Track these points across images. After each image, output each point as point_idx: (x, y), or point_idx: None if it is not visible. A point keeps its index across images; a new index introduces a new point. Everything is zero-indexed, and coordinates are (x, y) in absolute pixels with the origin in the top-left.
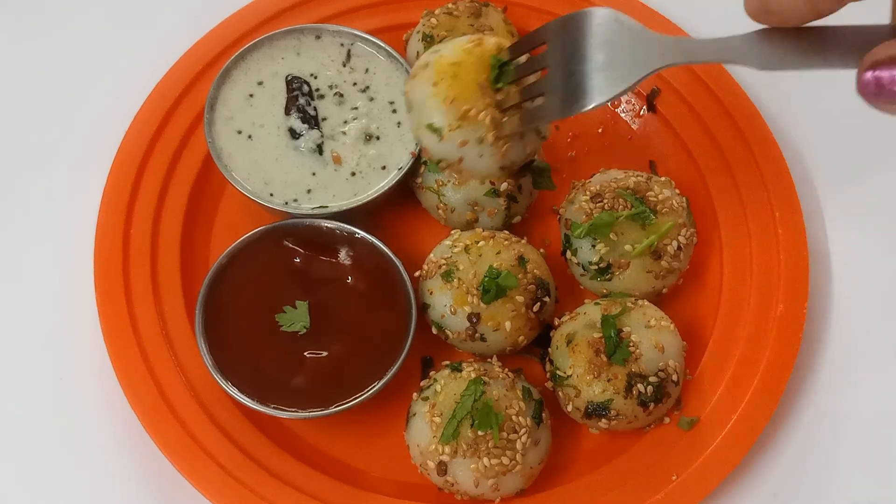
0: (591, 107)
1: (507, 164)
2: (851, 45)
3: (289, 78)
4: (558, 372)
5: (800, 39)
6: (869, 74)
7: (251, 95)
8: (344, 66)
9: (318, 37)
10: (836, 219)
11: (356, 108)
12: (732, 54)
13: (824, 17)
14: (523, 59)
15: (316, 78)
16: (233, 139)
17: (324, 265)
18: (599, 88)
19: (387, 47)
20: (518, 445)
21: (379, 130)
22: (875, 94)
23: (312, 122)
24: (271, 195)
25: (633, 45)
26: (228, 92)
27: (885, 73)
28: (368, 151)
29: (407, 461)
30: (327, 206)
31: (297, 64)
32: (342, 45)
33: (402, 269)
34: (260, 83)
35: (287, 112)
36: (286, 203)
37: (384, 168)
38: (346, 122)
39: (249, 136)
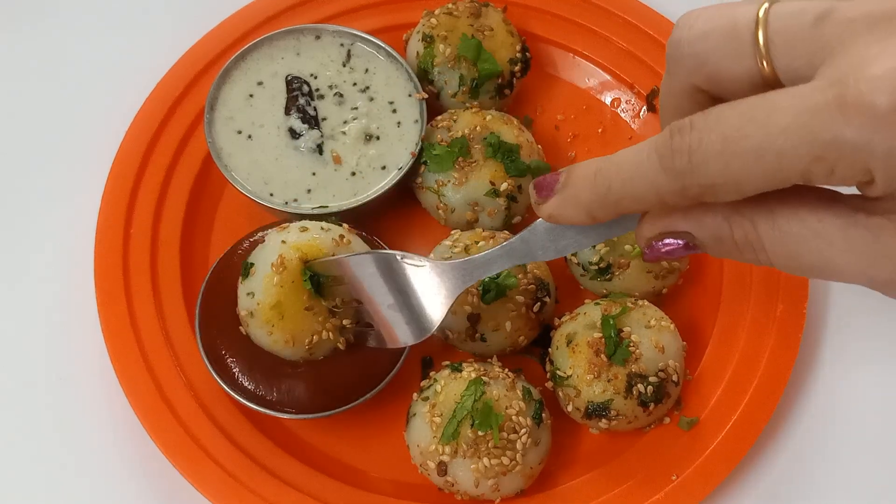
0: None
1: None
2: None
3: (289, 78)
4: (558, 372)
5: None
6: (647, 251)
7: (251, 95)
8: (344, 66)
9: (317, 37)
10: None
11: (356, 108)
12: (518, 258)
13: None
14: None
15: (316, 78)
16: (233, 139)
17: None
18: (433, 315)
19: (387, 47)
20: (518, 445)
21: (379, 130)
22: (660, 260)
23: (312, 122)
24: (271, 195)
25: (427, 285)
26: (228, 92)
27: (659, 245)
28: (368, 151)
29: (407, 461)
30: (327, 206)
31: (297, 64)
32: (342, 45)
33: None
34: (260, 83)
35: (287, 112)
36: (286, 203)
37: (384, 168)
38: (345, 122)
39: (249, 136)
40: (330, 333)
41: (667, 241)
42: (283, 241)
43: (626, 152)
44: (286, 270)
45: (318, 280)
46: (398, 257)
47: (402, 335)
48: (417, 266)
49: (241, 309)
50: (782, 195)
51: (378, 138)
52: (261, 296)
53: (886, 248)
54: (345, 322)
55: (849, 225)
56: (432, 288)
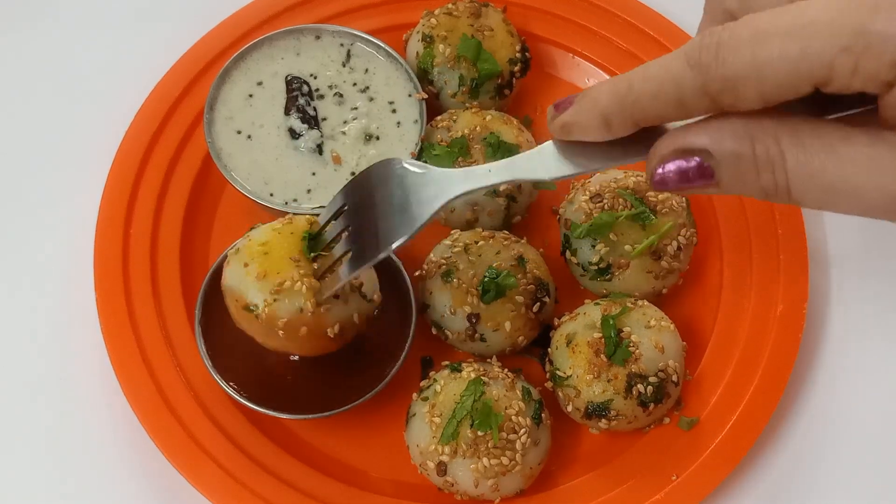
0: (381, 255)
1: (337, 333)
2: (637, 140)
3: (288, 78)
4: (558, 372)
5: (588, 146)
6: (659, 171)
7: (251, 95)
8: (344, 66)
9: (317, 37)
10: (835, 219)
11: (356, 108)
12: (519, 173)
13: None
14: (332, 227)
15: (316, 78)
16: (233, 139)
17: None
18: (393, 231)
19: (386, 47)
20: (518, 446)
21: (379, 130)
22: (667, 187)
23: (312, 122)
24: (271, 195)
25: (421, 184)
26: (228, 92)
27: (670, 166)
28: (368, 151)
29: (407, 461)
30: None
31: (297, 64)
32: (342, 45)
33: (401, 269)
34: (260, 83)
35: (287, 112)
36: (286, 203)
37: None
38: (345, 122)
39: (249, 136)
40: (303, 287)
41: (679, 161)
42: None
43: (654, 60)
44: (290, 224)
45: (315, 244)
46: (399, 161)
47: (387, 236)
48: (416, 171)
49: (232, 247)
50: (806, 119)
51: (378, 138)
52: (255, 234)
53: None
54: (322, 286)
55: (874, 141)
56: (428, 190)
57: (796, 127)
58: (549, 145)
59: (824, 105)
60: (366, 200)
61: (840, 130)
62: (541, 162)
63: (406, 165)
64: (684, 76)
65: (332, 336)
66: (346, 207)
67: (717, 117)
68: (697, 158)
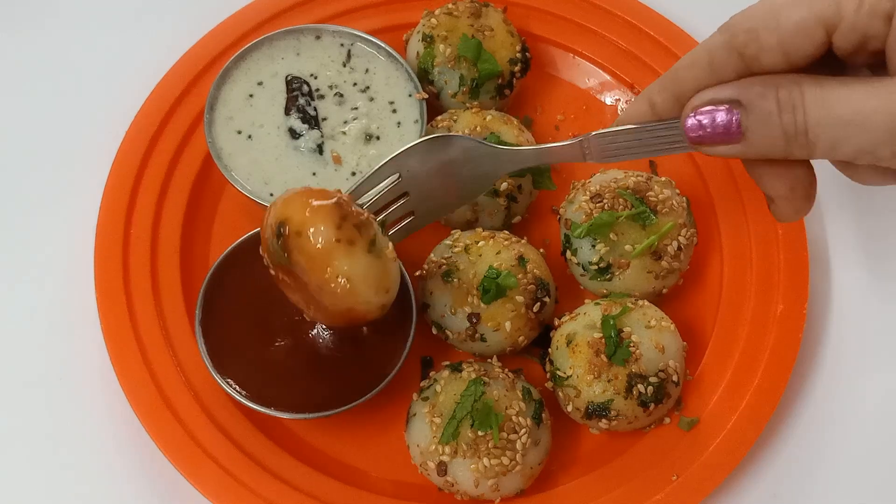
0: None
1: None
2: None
3: (289, 78)
4: (558, 372)
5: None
6: (691, 120)
7: (251, 95)
8: (344, 66)
9: (318, 37)
10: (836, 219)
11: (356, 108)
12: (561, 156)
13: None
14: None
15: (316, 78)
16: (233, 139)
17: None
18: (467, 197)
19: (387, 47)
20: (518, 446)
21: (379, 130)
22: (700, 139)
23: (312, 122)
24: (271, 195)
25: (483, 158)
26: (228, 92)
27: (704, 117)
28: (368, 151)
29: (407, 461)
30: None
31: (297, 64)
32: (342, 45)
33: (402, 269)
34: (260, 83)
35: (287, 112)
36: None
37: None
38: (346, 122)
39: (249, 136)
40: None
41: (709, 109)
42: None
43: None
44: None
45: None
46: (452, 138)
47: (444, 210)
48: (475, 143)
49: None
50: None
51: (378, 138)
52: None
53: None
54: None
55: (884, 81)
56: (481, 167)
57: (817, 76)
58: (581, 140)
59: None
60: (422, 170)
61: (855, 77)
62: (578, 150)
63: (464, 141)
64: (713, 39)
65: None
66: (400, 177)
67: (746, 78)
68: (726, 106)
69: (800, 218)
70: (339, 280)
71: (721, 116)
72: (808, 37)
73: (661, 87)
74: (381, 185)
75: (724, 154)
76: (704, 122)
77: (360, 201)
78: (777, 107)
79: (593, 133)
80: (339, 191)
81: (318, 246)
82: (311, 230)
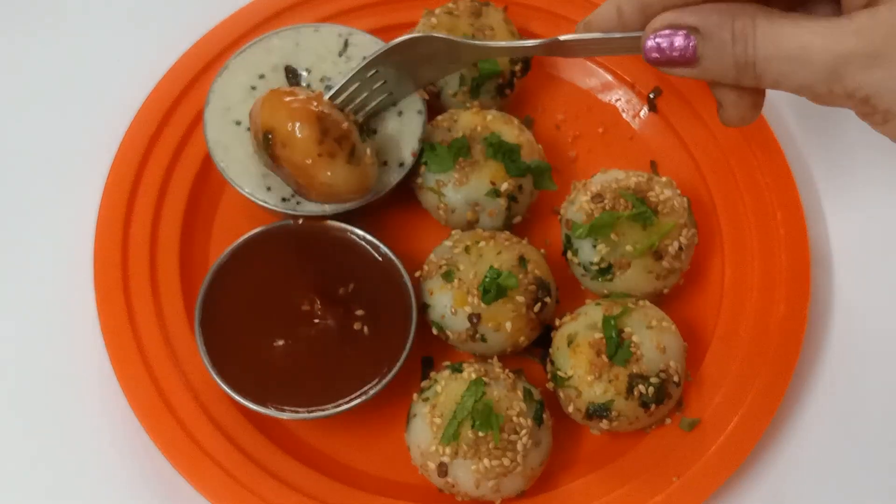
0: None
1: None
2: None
3: (288, 67)
4: (559, 373)
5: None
6: (650, 41)
7: (253, 88)
8: (340, 56)
9: (316, 30)
10: (838, 219)
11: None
12: (525, 51)
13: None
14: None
15: (310, 73)
16: (230, 131)
17: (324, 265)
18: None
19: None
20: (519, 446)
21: (379, 119)
22: (657, 60)
23: None
24: (269, 189)
25: (451, 54)
26: (227, 83)
27: (663, 40)
28: (370, 139)
29: (407, 462)
30: (326, 207)
31: (295, 56)
32: (339, 35)
33: (402, 269)
34: (261, 76)
35: None
36: (283, 200)
37: (385, 164)
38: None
39: (245, 127)
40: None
41: (668, 33)
42: None
43: None
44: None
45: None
46: (419, 38)
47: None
48: (442, 41)
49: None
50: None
51: (377, 127)
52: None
53: (855, 24)
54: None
55: (832, 19)
56: (452, 59)
57: (771, 11)
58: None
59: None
60: (396, 66)
61: (807, 15)
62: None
63: (431, 37)
64: None
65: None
66: (377, 72)
67: (707, 3)
68: (684, 31)
69: (745, 125)
70: (323, 185)
71: (679, 41)
72: None
73: None
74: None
75: (679, 75)
76: (663, 45)
77: (339, 99)
78: (731, 37)
79: (561, 37)
80: (321, 94)
81: (302, 158)
82: (296, 143)
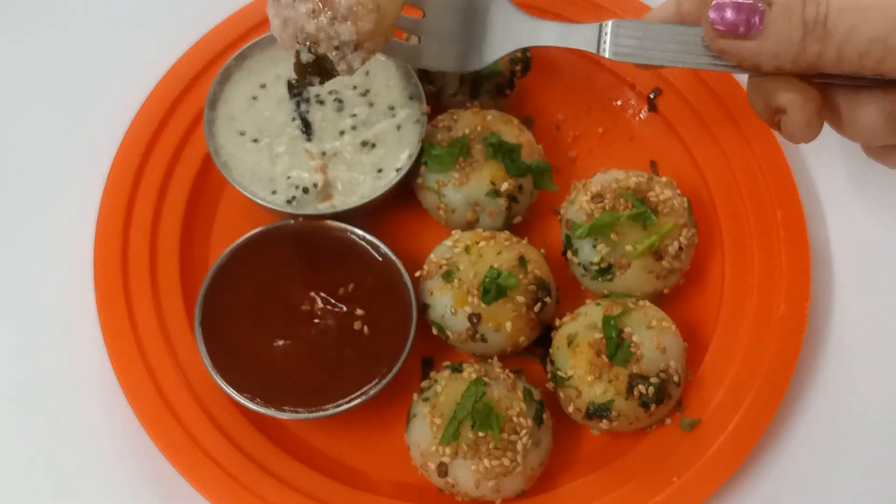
0: (483, 65)
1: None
2: (693, 38)
3: (291, 81)
4: (559, 373)
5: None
6: (714, 12)
7: (254, 98)
8: None
9: None
10: (838, 219)
11: (355, 114)
12: (578, 39)
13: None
14: None
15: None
16: (233, 139)
17: (324, 265)
18: (490, 52)
19: None
20: (519, 447)
21: (379, 132)
22: (719, 31)
23: (312, 124)
24: (274, 192)
25: (507, 20)
26: (231, 92)
27: (728, 9)
28: (368, 152)
29: (407, 462)
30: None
31: None
32: None
33: (402, 269)
34: (263, 86)
35: (288, 114)
36: (287, 202)
37: (380, 171)
38: (342, 132)
39: (250, 138)
40: None
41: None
42: None
43: None
44: None
45: None
46: None
47: (451, 59)
48: (503, 5)
49: None
50: None
51: (377, 141)
52: None
53: None
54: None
55: None
56: (503, 30)
57: None
58: (606, 25)
59: None
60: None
61: None
62: (602, 37)
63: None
64: None
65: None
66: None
67: None
68: (751, 1)
69: (809, 138)
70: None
71: (745, 6)
72: None
73: None
74: None
75: (736, 55)
76: (727, 13)
77: None
78: (802, 1)
79: (613, 20)
80: None
81: None
82: None
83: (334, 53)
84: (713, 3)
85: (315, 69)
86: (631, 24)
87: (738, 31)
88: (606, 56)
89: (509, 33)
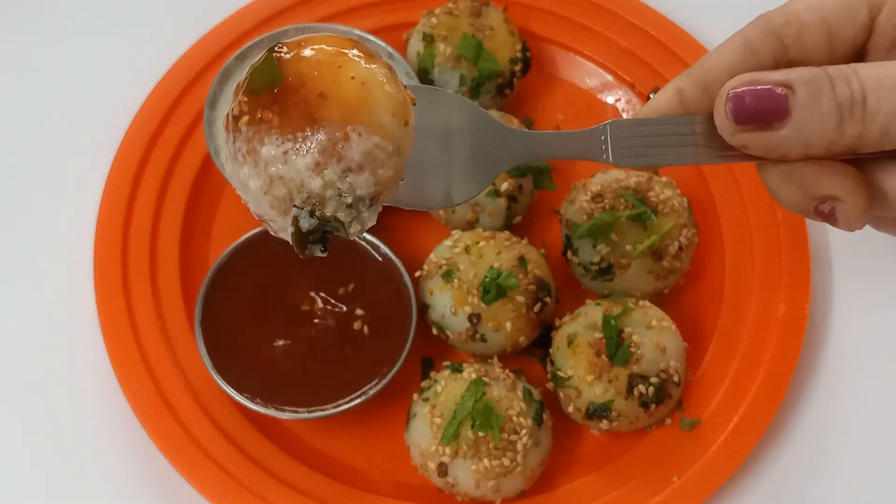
0: (459, 202)
1: None
2: (701, 130)
3: None
4: (559, 373)
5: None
6: (733, 99)
7: None
8: None
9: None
10: None
11: None
12: (582, 151)
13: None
14: None
15: None
16: None
17: (324, 265)
18: (470, 186)
19: (387, 47)
20: (519, 446)
21: None
22: (740, 118)
23: None
24: None
25: (496, 139)
26: (231, 91)
27: (747, 94)
28: None
29: (407, 462)
30: None
31: None
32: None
33: (402, 269)
34: None
35: None
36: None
37: None
38: None
39: None
40: None
41: (752, 88)
42: None
43: None
44: None
45: None
46: (478, 107)
47: (432, 196)
48: (499, 122)
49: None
50: None
51: None
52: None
53: None
54: None
55: None
56: (490, 150)
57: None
58: (602, 128)
59: None
60: (439, 129)
61: None
62: (601, 143)
63: (486, 113)
64: (748, 27)
65: None
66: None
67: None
68: (770, 86)
69: (863, 224)
70: (353, 79)
71: (766, 93)
72: (851, 15)
73: (689, 74)
74: None
75: (761, 147)
76: (747, 98)
77: None
78: (829, 82)
79: (610, 122)
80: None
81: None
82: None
83: (344, 213)
84: (730, 93)
85: (319, 236)
86: (630, 125)
87: (762, 116)
88: (611, 163)
89: (501, 155)
